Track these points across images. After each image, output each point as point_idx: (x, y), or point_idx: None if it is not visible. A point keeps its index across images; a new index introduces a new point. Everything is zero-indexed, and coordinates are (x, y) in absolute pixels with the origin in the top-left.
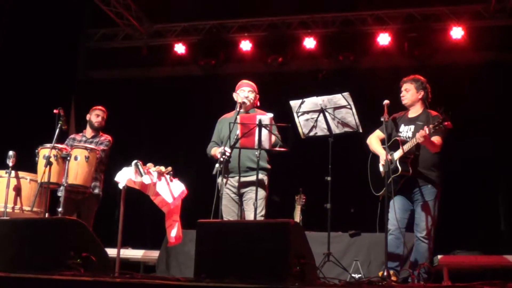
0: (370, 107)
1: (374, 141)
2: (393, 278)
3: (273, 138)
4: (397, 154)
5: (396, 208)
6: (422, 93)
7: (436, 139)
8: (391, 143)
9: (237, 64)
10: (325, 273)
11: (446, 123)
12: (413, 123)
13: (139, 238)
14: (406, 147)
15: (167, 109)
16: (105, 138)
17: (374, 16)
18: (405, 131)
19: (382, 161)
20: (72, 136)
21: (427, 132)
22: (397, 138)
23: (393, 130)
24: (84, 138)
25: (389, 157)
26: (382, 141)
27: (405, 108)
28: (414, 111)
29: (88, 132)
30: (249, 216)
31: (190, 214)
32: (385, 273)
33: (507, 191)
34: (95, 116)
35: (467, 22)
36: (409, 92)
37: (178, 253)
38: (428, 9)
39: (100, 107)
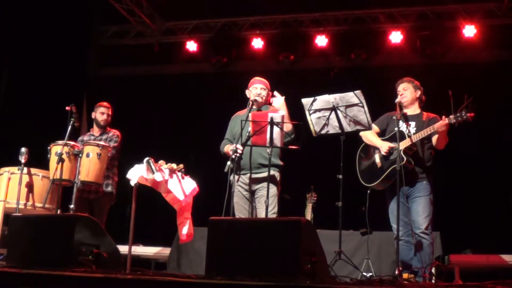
0: (382, 105)
1: (371, 133)
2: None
3: (289, 126)
4: (402, 145)
5: (396, 213)
6: (419, 92)
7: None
8: (390, 137)
9: (248, 62)
10: (336, 271)
11: (470, 114)
12: (414, 120)
13: (151, 235)
14: (415, 137)
15: (179, 107)
16: (114, 133)
17: (386, 14)
18: (404, 127)
19: (383, 152)
20: (80, 138)
21: (448, 121)
22: (401, 130)
23: (388, 126)
24: (92, 137)
25: (392, 145)
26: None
27: (394, 108)
28: (412, 110)
29: (95, 130)
30: (261, 213)
31: (202, 211)
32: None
33: None
34: (100, 114)
35: (480, 20)
36: (408, 91)
37: (189, 250)
38: (440, 7)
39: (104, 103)
